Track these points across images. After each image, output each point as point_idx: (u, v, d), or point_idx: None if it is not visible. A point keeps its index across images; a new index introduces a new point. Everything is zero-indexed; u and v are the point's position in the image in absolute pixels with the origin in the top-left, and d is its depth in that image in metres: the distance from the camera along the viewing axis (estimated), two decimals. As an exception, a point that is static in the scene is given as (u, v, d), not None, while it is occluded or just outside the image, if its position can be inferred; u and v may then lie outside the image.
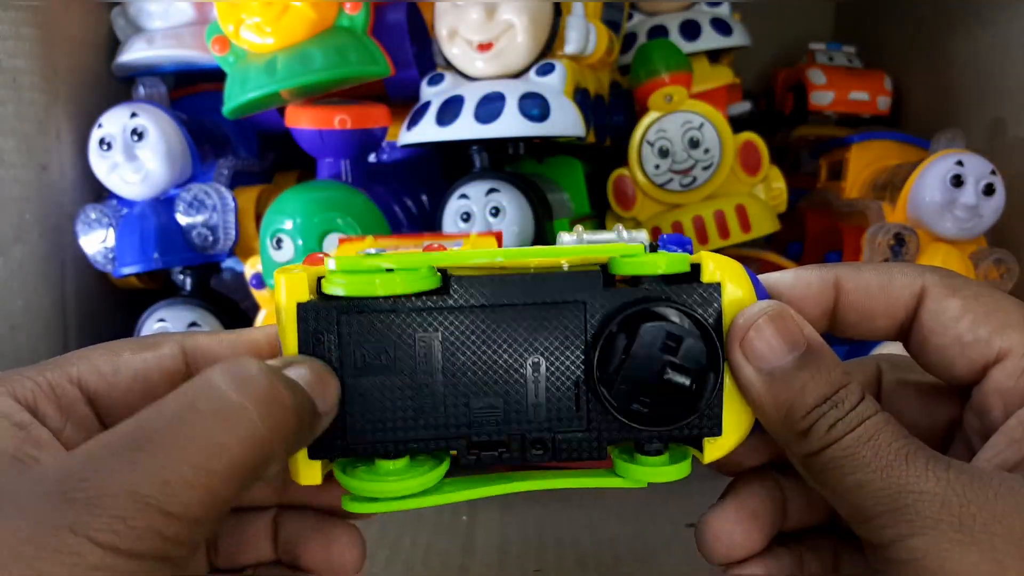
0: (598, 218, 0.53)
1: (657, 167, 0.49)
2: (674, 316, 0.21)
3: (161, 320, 0.48)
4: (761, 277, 0.23)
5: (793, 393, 0.21)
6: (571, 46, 0.45)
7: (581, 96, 0.45)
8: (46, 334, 0.50)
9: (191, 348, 0.24)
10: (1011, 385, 0.21)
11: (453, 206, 0.45)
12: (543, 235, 0.44)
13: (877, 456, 0.20)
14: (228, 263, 0.52)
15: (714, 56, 0.56)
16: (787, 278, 0.23)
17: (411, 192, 0.49)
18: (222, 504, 0.17)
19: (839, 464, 0.20)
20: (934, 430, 0.24)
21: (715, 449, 0.22)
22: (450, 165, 0.53)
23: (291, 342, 0.21)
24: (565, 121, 0.43)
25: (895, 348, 0.26)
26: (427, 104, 0.45)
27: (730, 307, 0.22)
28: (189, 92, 0.54)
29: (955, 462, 0.20)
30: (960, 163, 0.45)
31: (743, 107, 0.57)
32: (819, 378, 0.21)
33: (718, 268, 0.22)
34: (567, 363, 0.22)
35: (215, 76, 0.47)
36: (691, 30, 0.55)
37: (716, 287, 0.22)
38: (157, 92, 0.50)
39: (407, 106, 0.47)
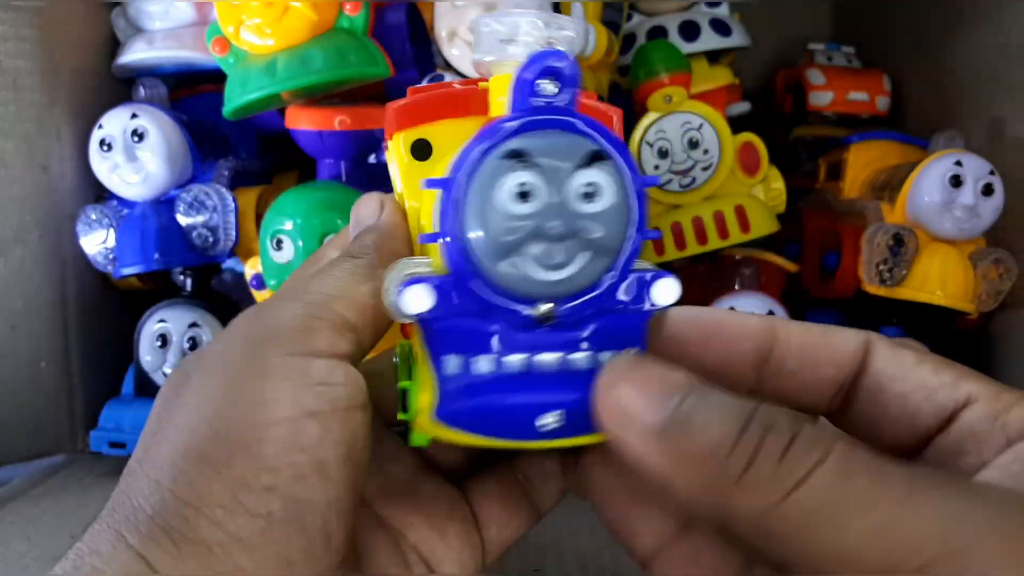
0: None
1: (656, 168, 0.49)
2: None
3: (162, 321, 0.48)
4: (703, 313, 0.22)
5: (697, 435, 0.17)
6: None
7: (580, 97, 0.45)
8: (46, 334, 0.50)
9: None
10: (988, 428, 0.19)
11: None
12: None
13: (876, 487, 0.16)
14: (228, 264, 0.52)
15: (713, 57, 0.56)
16: (717, 315, 0.22)
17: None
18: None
19: (826, 512, 0.16)
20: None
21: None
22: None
23: None
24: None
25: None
26: (427, 105, 0.45)
27: None
28: (189, 93, 0.54)
29: (958, 482, 0.17)
30: (959, 163, 0.45)
31: (742, 107, 0.57)
32: (722, 410, 0.17)
33: None
34: None
35: (215, 77, 0.47)
36: (690, 31, 0.55)
37: None
38: (157, 93, 0.50)
39: (407, 107, 0.47)
